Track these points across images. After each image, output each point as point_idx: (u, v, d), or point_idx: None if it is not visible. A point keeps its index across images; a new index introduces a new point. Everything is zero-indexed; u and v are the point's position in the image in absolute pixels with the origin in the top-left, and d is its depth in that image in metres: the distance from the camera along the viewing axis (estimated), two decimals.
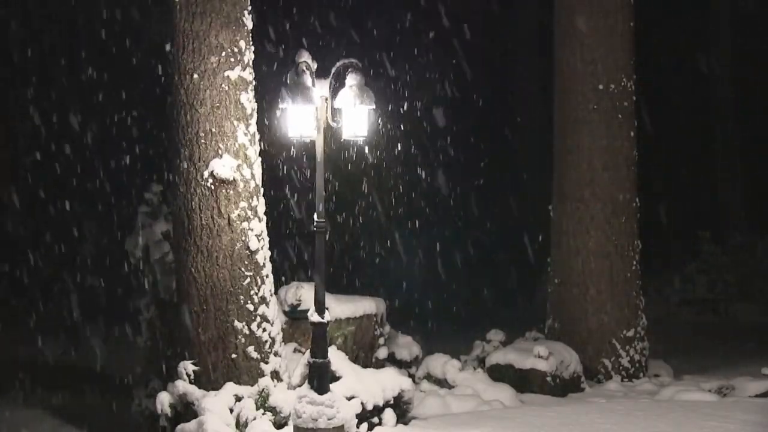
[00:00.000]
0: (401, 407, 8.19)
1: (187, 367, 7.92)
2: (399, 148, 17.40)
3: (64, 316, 13.75)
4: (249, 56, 8.10)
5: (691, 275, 17.30)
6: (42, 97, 15.36)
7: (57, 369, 11.46)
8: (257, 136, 8.21)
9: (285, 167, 14.89)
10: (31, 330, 13.18)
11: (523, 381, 10.04)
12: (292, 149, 13.41)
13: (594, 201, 11.12)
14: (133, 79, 14.99)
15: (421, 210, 18.18)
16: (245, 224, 8.00)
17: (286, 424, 7.65)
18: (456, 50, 18.86)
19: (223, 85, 7.94)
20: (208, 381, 7.88)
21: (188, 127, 7.97)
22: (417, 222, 17.93)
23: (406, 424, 8.13)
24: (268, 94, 9.19)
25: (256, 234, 8.06)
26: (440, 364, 10.04)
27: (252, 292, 8.02)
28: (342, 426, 7.20)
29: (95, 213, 15.04)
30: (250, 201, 8.05)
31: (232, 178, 7.93)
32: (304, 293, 8.91)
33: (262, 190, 8.21)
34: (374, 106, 7.23)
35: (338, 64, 7.25)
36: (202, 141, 7.93)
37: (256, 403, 7.71)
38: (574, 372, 10.42)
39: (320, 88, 7.19)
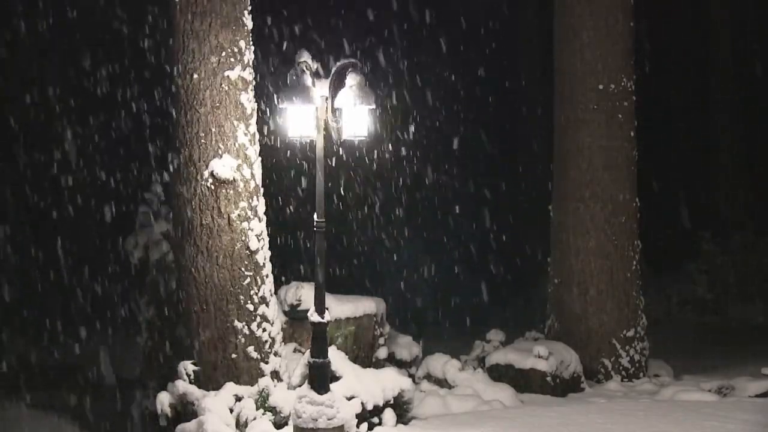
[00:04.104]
0: (401, 407, 8.19)
1: (187, 367, 7.93)
2: (399, 149, 17.40)
3: (63, 317, 13.74)
4: (249, 56, 8.11)
5: (691, 275, 17.28)
6: (40, 96, 15.35)
7: (57, 369, 11.45)
8: (257, 136, 8.21)
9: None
10: (31, 330, 13.19)
11: (523, 381, 10.04)
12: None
13: (594, 201, 11.12)
14: (133, 78, 14.98)
15: (422, 210, 18.17)
16: (245, 224, 8.00)
17: (286, 424, 7.65)
18: (456, 51, 18.87)
19: (223, 85, 7.95)
20: (208, 381, 7.89)
21: (188, 127, 7.98)
22: (417, 222, 17.93)
23: (406, 424, 8.13)
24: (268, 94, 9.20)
25: (256, 234, 8.06)
26: (440, 364, 10.04)
27: (252, 292, 8.03)
28: (342, 426, 7.20)
29: (95, 213, 15.03)
30: (250, 201, 8.05)
31: (232, 178, 7.93)
32: (304, 293, 8.91)
33: (262, 190, 8.21)
34: (374, 106, 7.24)
35: (338, 64, 7.25)
36: (202, 141, 7.94)
37: (256, 403, 7.71)
38: (574, 372, 10.42)
39: (320, 88, 7.20)
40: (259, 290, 8.07)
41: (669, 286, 17.06)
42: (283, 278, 9.23)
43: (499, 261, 17.86)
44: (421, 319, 14.35)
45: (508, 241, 18.22)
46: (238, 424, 7.59)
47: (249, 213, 8.04)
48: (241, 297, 7.99)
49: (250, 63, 8.13)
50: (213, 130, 7.94)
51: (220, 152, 7.94)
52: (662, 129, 18.73)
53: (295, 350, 8.75)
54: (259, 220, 8.14)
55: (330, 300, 8.24)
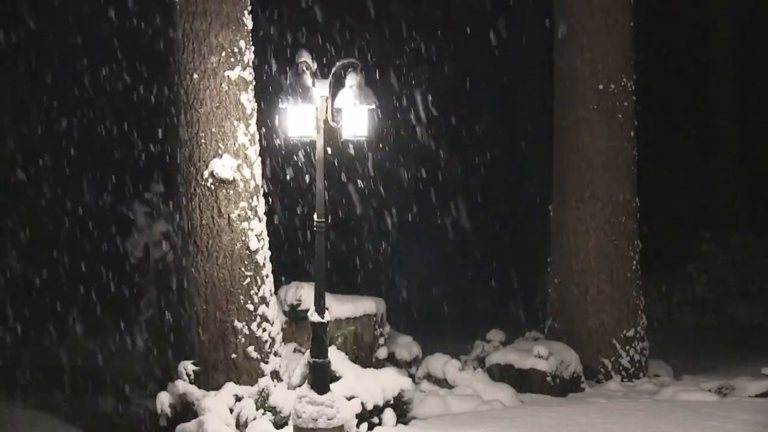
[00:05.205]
0: (401, 407, 8.19)
1: (187, 367, 7.93)
2: (400, 148, 17.41)
3: (62, 316, 13.73)
4: (249, 56, 8.11)
5: (691, 275, 17.28)
6: (41, 95, 15.36)
7: (57, 369, 11.44)
8: (257, 136, 8.21)
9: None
10: (31, 330, 13.17)
11: (523, 381, 10.04)
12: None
13: (594, 201, 11.12)
14: (133, 77, 14.99)
15: (422, 209, 18.17)
16: (245, 224, 8.00)
17: (286, 424, 7.65)
18: (457, 51, 18.86)
19: (223, 85, 7.95)
20: (208, 381, 7.89)
21: (188, 127, 7.98)
22: (417, 222, 17.92)
23: (406, 424, 8.13)
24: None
25: (256, 234, 8.06)
26: (440, 364, 10.04)
27: (252, 292, 8.03)
28: (342, 426, 7.20)
29: (95, 212, 15.03)
30: (250, 201, 8.05)
31: (232, 178, 7.93)
32: (304, 293, 8.91)
33: (262, 190, 8.21)
34: (374, 106, 7.23)
35: (338, 64, 7.25)
36: (202, 141, 7.94)
37: (256, 403, 7.71)
38: (574, 372, 10.42)
39: (320, 88, 7.19)
40: (259, 290, 8.07)
41: (669, 286, 17.05)
42: (283, 278, 9.23)
43: (499, 261, 17.86)
44: (422, 319, 14.34)
45: (509, 241, 18.22)
46: (238, 424, 7.59)
47: (249, 213, 8.04)
48: (241, 297, 7.99)
49: (250, 63, 8.14)
50: (213, 130, 7.94)
51: (220, 152, 7.94)
52: (662, 129, 18.73)
53: (295, 350, 8.75)
54: (259, 220, 8.14)
55: (330, 300, 8.24)
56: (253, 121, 8.17)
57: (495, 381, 9.91)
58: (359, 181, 16.88)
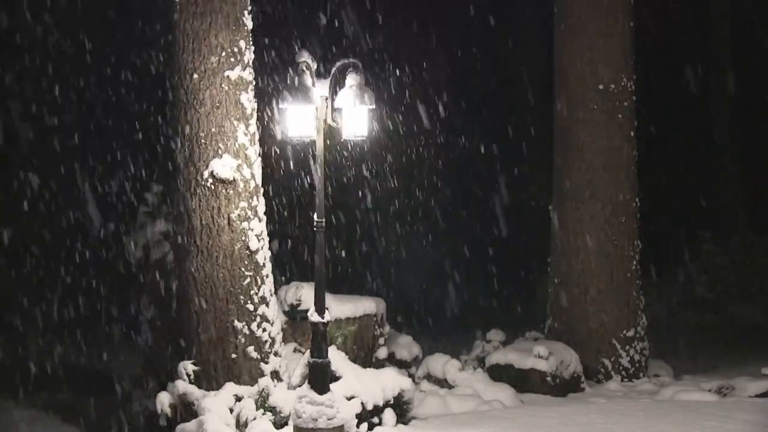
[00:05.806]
0: (401, 407, 8.19)
1: (187, 367, 7.93)
2: (400, 148, 17.41)
3: (63, 316, 13.74)
4: (249, 56, 8.12)
5: (691, 275, 17.28)
6: (41, 94, 15.35)
7: (57, 369, 11.45)
8: (257, 136, 8.22)
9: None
10: (31, 330, 13.18)
11: (523, 381, 10.04)
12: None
13: (594, 201, 11.13)
14: (133, 77, 14.99)
15: (422, 210, 18.17)
16: (245, 224, 8.01)
17: (286, 424, 7.65)
18: (457, 51, 18.86)
19: (223, 85, 7.95)
20: (208, 381, 7.89)
21: (188, 127, 7.98)
22: (417, 221, 17.92)
23: (406, 424, 8.13)
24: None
25: (256, 234, 8.07)
26: (440, 364, 10.04)
27: (252, 292, 8.03)
28: (342, 426, 7.20)
29: (95, 212, 15.02)
30: (250, 201, 8.05)
31: (232, 178, 7.93)
32: (304, 293, 8.91)
33: (262, 190, 8.21)
34: (374, 106, 7.24)
35: (338, 64, 7.25)
36: (202, 141, 7.94)
37: (256, 403, 7.71)
38: (574, 372, 10.42)
39: (320, 88, 7.19)
40: (259, 290, 8.07)
41: (669, 286, 17.05)
42: (283, 278, 9.23)
43: (499, 261, 17.86)
44: (422, 319, 14.34)
45: (509, 241, 18.21)
46: (238, 424, 7.59)
47: (249, 213, 8.04)
48: (241, 297, 7.99)
49: (250, 63, 8.14)
50: (213, 130, 7.94)
51: (220, 152, 7.94)
52: (663, 129, 18.73)
53: (295, 350, 8.75)
54: (259, 220, 8.14)
55: (330, 300, 8.24)
56: (253, 121, 8.18)
57: (495, 381, 9.91)
58: (358, 180, 16.90)
